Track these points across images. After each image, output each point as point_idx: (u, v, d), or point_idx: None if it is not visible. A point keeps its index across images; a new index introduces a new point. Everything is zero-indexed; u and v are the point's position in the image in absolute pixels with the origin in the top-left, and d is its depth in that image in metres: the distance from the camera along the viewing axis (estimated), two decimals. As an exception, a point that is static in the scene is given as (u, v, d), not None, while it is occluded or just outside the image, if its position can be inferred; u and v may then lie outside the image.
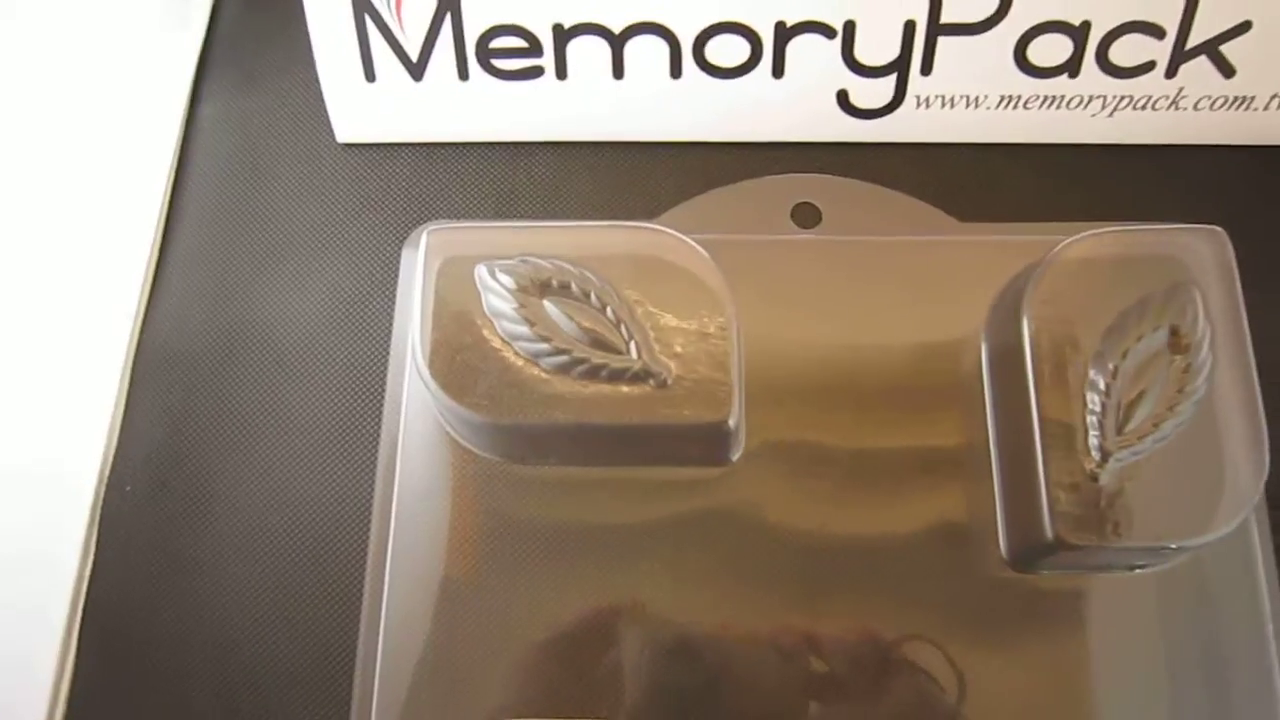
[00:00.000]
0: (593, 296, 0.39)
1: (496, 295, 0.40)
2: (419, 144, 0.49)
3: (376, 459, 0.42)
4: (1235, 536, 0.39)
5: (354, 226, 0.48)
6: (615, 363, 0.39)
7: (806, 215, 0.46)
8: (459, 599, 0.41)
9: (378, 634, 0.41)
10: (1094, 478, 0.38)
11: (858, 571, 0.41)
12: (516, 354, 0.39)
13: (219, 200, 0.49)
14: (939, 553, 0.41)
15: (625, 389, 0.39)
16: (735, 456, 0.42)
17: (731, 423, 0.39)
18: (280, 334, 0.46)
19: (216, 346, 0.46)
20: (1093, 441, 0.38)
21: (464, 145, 0.49)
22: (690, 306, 0.40)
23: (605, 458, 0.42)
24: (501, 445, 0.42)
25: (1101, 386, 0.39)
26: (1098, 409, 0.38)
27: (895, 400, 0.43)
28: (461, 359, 0.39)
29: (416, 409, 0.44)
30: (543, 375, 0.39)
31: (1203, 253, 0.40)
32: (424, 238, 0.41)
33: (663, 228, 0.41)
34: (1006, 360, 0.41)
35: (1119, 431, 0.38)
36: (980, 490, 0.42)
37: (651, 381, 0.39)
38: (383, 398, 0.43)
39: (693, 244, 0.40)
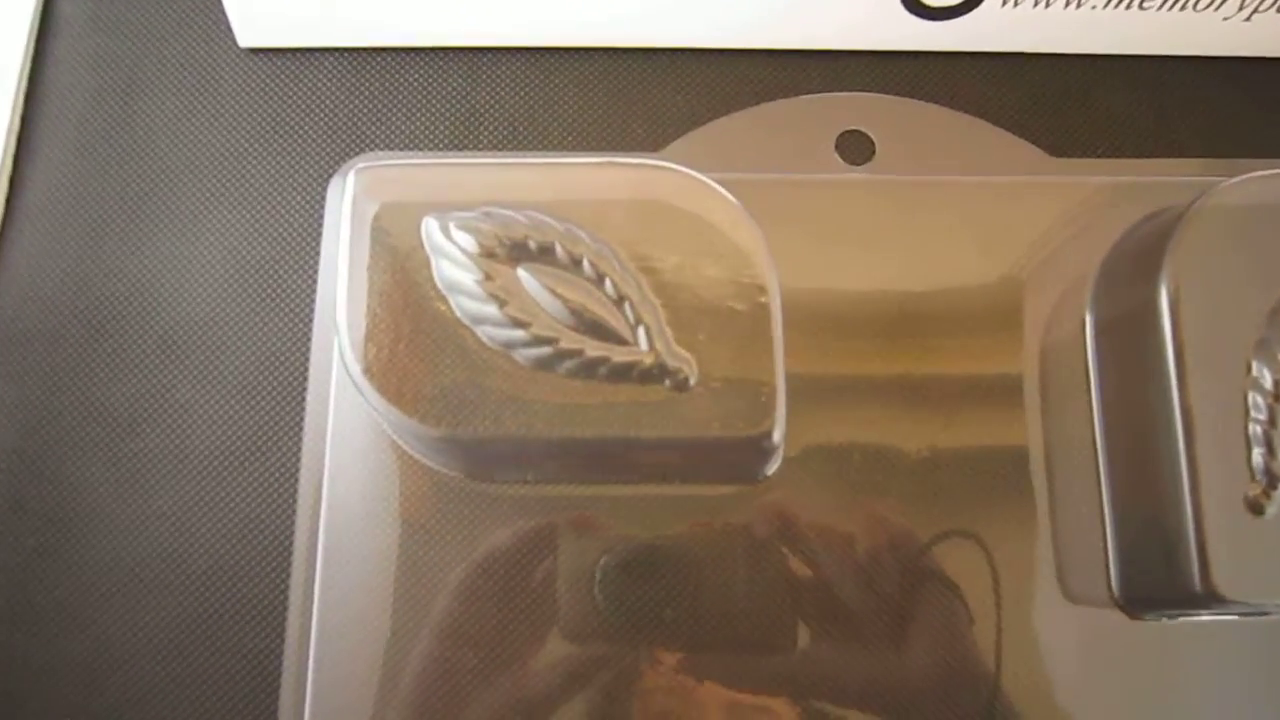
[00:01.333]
0: (585, 263, 0.28)
1: (452, 261, 0.28)
2: (347, 49, 0.36)
3: (298, 472, 0.31)
4: None
5: (263, 161, 0.35)
6: (618, 355, 0.28)
7: (855, 147, 0.35)
8: (406, 660, 0.31)
9: (304, 710, 0.30)
10: (1258, 509, 0.28)
11: (927, 613, 0.31)
12: (481, 343, 0.28)
13: (84, 127, 0.36)
14: (1024, 588, 0.31)
15: (631, 391, 0.28)
16: (770, 471, 0.32)
17: (776, 436, 0.28)
18: (167, 305, 0.34)
19: (82, 321, 0.34)
20: (1257, 460, 0.28)
21: (407, 51, 0.36)
22: (718, 276, 0.28)
23: (600, 475, 0.31)
24: (461, 461, 0.31)
25: (1268, 384, 0.28)
26: (1263, 415, 0.28)
27: (971, 393, 0.33)
28: (404, 350, 0.28)
29: (350, 406, 0.32)
30: (517, 372, 0.28)
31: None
32: (351, 178, 0.29)
33: (680, 167, 0.29)
34: (1127, 343, 0.31)
35: (1292, 446, 0.28)
36: (1082, 510, 0.32)
37: (668, 381, 0.28)
38: (304, 391, 0.32)
39: (721, 190, 0.29)
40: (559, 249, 0.28)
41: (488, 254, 0.28)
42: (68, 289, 0.34)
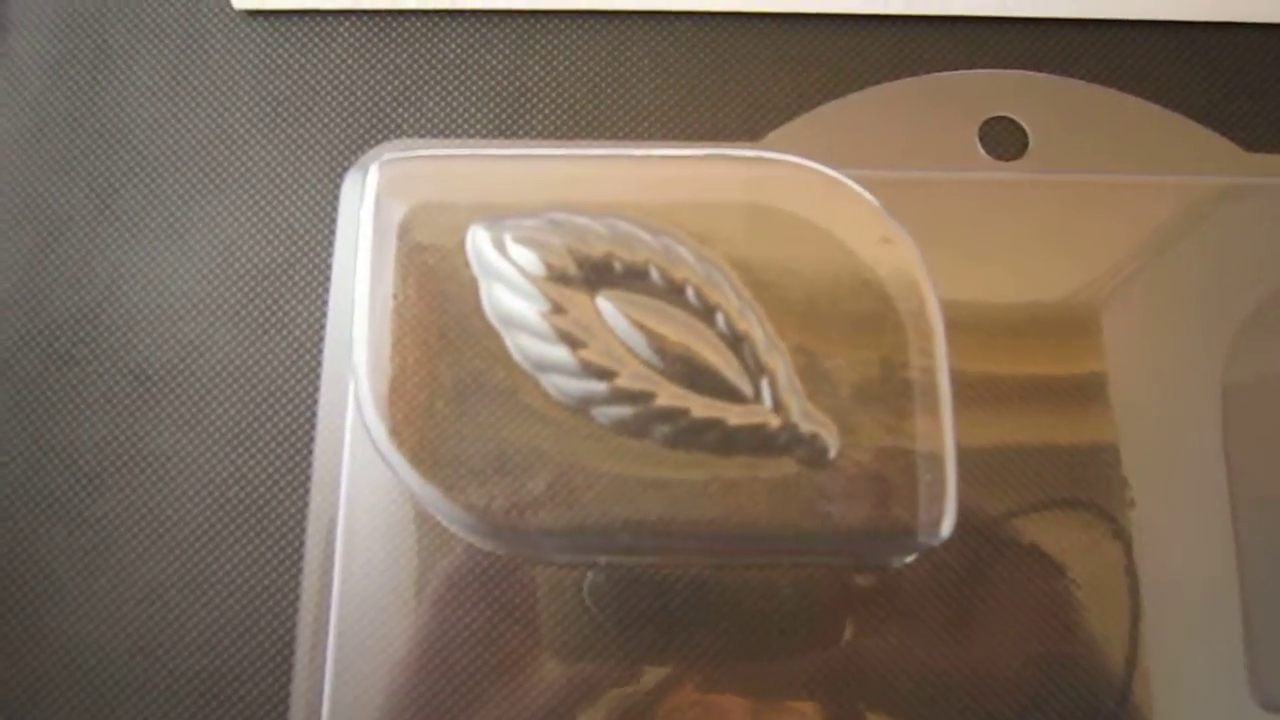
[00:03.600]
0: (690, 292, 0.20)
1: (509, 286, 0.20)
2: (367, 12, 0.28)
3: (304, 542, 0.24)
4: None
5: (262, 151, 0.27)
6: (735, 416, 0.20)
7: (1004, 138, 0.26)
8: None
9: None
10: None
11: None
12: (547, 397, 0.20)
13: (42, 105, 0.28)
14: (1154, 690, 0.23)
15: (751, 465, 0.20)
16: (910, 557, 0.24)
17: (946, 529, 0.20)
18: (142, 329, 0.26)
19: (37, 348, 0.26)
20: None
21: (443, 15, 0.28)
22: (864, 310, 0.20)
23: (704, 557, 0.23)
24: (516, 548, 0.23)
25: None
26: None
27: (1165, 451, 0.25)
28: (444, 406, 0.20)
29: (371, 459, 0.24)
30: (598, 437, 0.20)
31: None
32: (372, 171, 0.21)
33: (814, 164, 0.21)
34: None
35: None
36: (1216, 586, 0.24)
37: (800, 451, 0.20)
38: (312, 439, 0.24)
39: (868, 197, 0.21)
40: (654, 272, 0.20)
41: (557, 277, 0.20)
42: (19, 307, 0.26)
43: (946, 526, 0.19)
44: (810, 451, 0.19)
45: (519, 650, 0.23)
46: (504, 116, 0.27)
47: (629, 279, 0.20)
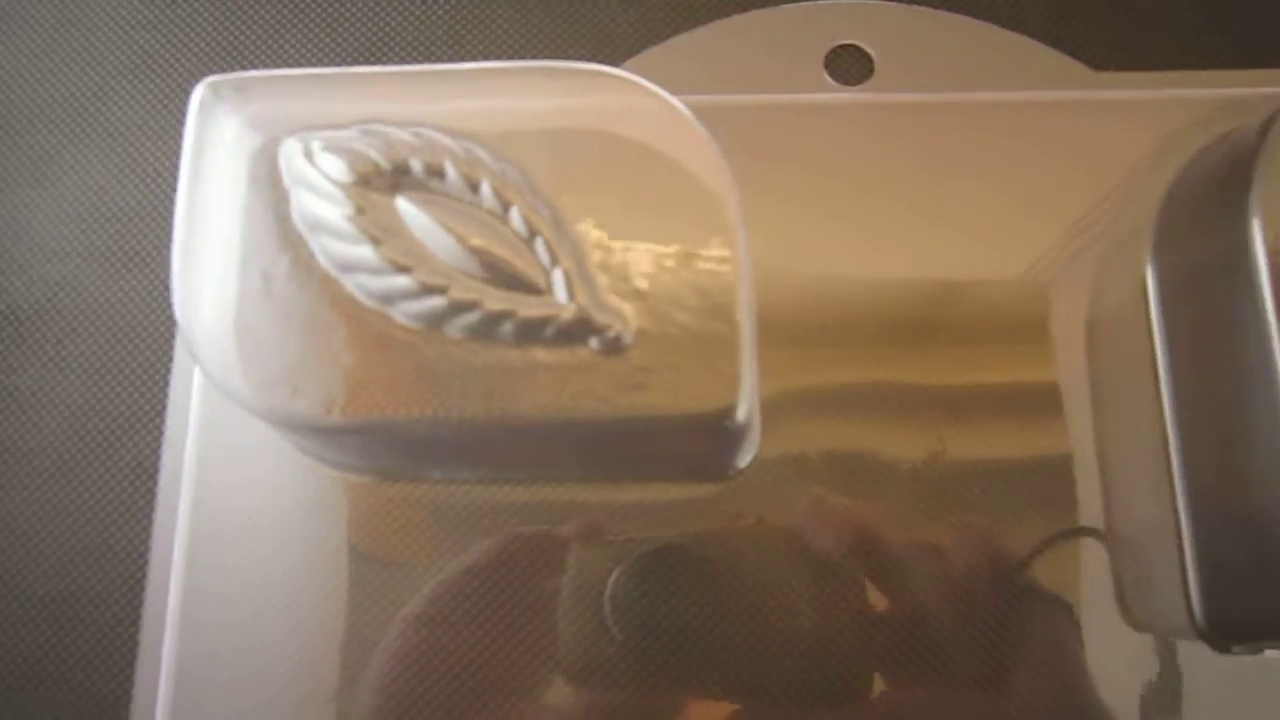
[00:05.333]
0: (485, 189, 0.21)
1: (315, 192, 0.21)
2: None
3: (159, 465, 0.24)
4: None
5: (128, 96, 0.28)
6: (528, 307, 0.20)
7: (850, 64, 0.27)
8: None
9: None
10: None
11: (948, 648, 0.23)
12: (352, 297, 0.21)
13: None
14: (1073, 610, 0.23)
15: (547, 355, 0.20)
16: (743, 464, 0.24)
17: (741, 413, 0.20)
18: (13, 266, 0.26)
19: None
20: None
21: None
22: (666, 210, 0.21)
23: (521, 470, 0.24)
24: (344, 455, 0.23)
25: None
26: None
27: (998, 362, 0.25)
28: (253, 310, 0.21)
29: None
30: (399, 334, 0.20)
31: None
32: (194, 97, 0.22)
33: (623, 73, 0.22)
34: (1206, 291, 0.23)
35: None
36: (1148, 512, 0.24)
37: (595, 341, 0.20)
38: (168, 380, 0.25)
39: (671, 100, 0.21)
40: (451, 172, 0.20)
41: (363, 183, 0.21)
42: (-101, 255, 0.28)
43: (742, 412, 0.20)
44: (605, 341, 0.20)
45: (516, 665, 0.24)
46: (366, 51, 0.28)
47: (429, 181, 0.20)
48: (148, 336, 0.26)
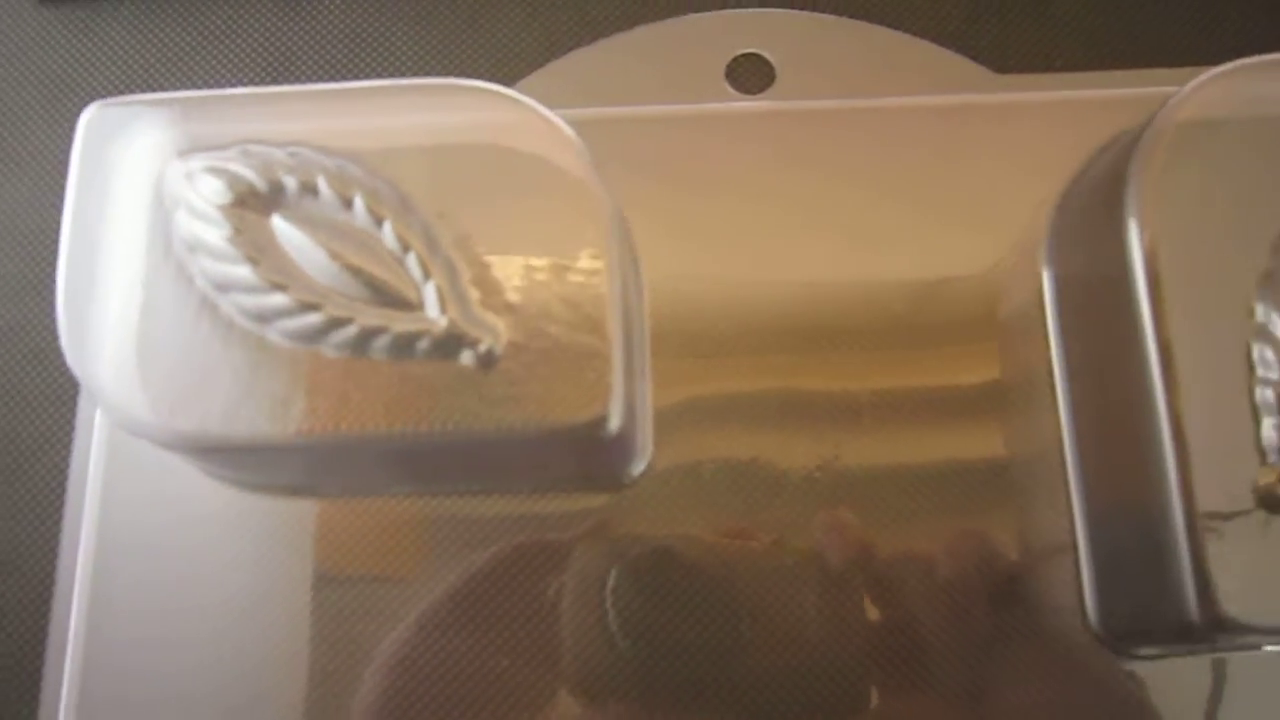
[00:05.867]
0: (357, 207, 0.21)
1: (194, 214, 0.21)
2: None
3: (64, 495, 0.25)
4: None
5: (40, 123, 0.28)
6: (400, 324, 0.20)
7: (751, 72, 0.27)
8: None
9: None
10: (1273, 501, 0.20)
11: (847, 660, 0.23)
12: (230, 317, 0.21)
13: None
14: (974, 617, 0.23)
15: (422, 370, 0.21)
16: (636, 472, 0.24)
17: (614, 423, 0.20)
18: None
19: None
20: (1269, 436, 0.20)
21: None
22: (540, 224, 0.21)
23: (411, 483, 0.24)
24: (236, 472, 0.24)
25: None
26: (1274, 374, 0.20)
27: (898, 368, 0.25)
28: (138, 333, 0.21)
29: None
30: (277, 352, 0.21)
31: None
32: (81, 122, 0.22)
33: (499, 88, 0.22)
34: (1093, 304, 0.23)
35: (1316, 416, 0.20)
36: (1046, 519, 0.24)
37: (468, 355, 0.20)
38: (76, 402, 0.25)
39: (547, 114, 0.22)
40: (325, 189, 0.21)
41: (239, 202, 0.21)
42: None
43: (614, 423, 0.20)
44: (477, 355, 0.20)
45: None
46: (271, 69, 0.28)
47: (304, 199, 0.21)
48: (57, 359, 0.26)
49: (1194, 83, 0.21)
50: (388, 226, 0.20)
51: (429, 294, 0.20)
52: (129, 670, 0.24)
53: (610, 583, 0.23)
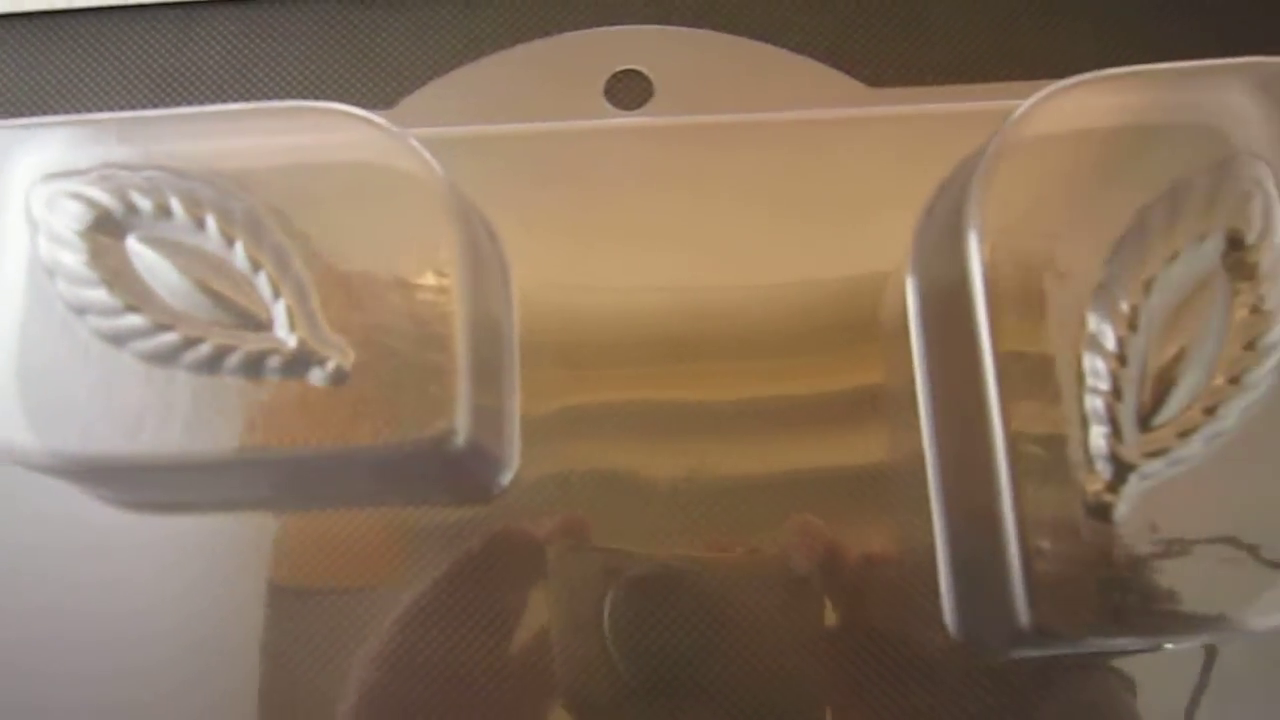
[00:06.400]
0: (210, 228, 0.21)
1: (53, 237, 0.22)
2: (28, 14, 0.29)
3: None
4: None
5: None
6: (250, 343, 0.21)
7: (630, 89, 0.28)
8: None
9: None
10: (1103, 511, 0.20)
11: (718, 667, 0.24)
12: (90, 337, 0.21)
13: None
14: (836, 621, 0.24)
15: (274, 388, 0.21)
16: (504, 483, 0.25)
17: (460, 437, 0.21)
18: None
19: None
20: (1097, 444, 0.20)
21: (103, 11, 0.29)
22: (390, 243, 0.22)
23: (269, 498, 0.24)
24: (100, 488, 0.24)
25: (1110, 344, 0.21)
26: (1105, 385, 0.21)
27: (768, 379, 0.25)
28: (11, 352, 0.21)
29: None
30: (132, 373, 0.21)
31: (1269, 104, 0.22)
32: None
33: (353, 109, 0.22)
34: (946, 307, 0.24)
35: (1145, 424, 0.20)
36: (910, 526, 0.24)
37: (317, 373, 0.21)
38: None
39: (399, 134, 0.22)
40: (178, 210, 0.21)
41: (96, 226, 0.21)
42: None
43: (461, 437, 0.21)
44: (327, 373, 0.20)
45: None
46: (163, 92, 0.28)
47: (159, 221, 0.21)
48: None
49: (1034, 98, 0.22)
50: (239, 247, 0.21)
51: (279, 313, 0.21)
52: None
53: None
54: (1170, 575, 0.20)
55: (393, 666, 0.23)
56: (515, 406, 0.24)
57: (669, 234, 0.26)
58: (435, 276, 0.21)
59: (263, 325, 0.21)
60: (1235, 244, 0.21)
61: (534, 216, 0.26)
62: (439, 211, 0.21)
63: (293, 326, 0.21)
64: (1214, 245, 0.21)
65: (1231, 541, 0.20)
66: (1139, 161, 0.22)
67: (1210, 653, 0.22)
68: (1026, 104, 0.22)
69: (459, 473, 0.23)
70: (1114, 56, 0.23)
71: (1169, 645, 0.22)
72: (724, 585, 0.23)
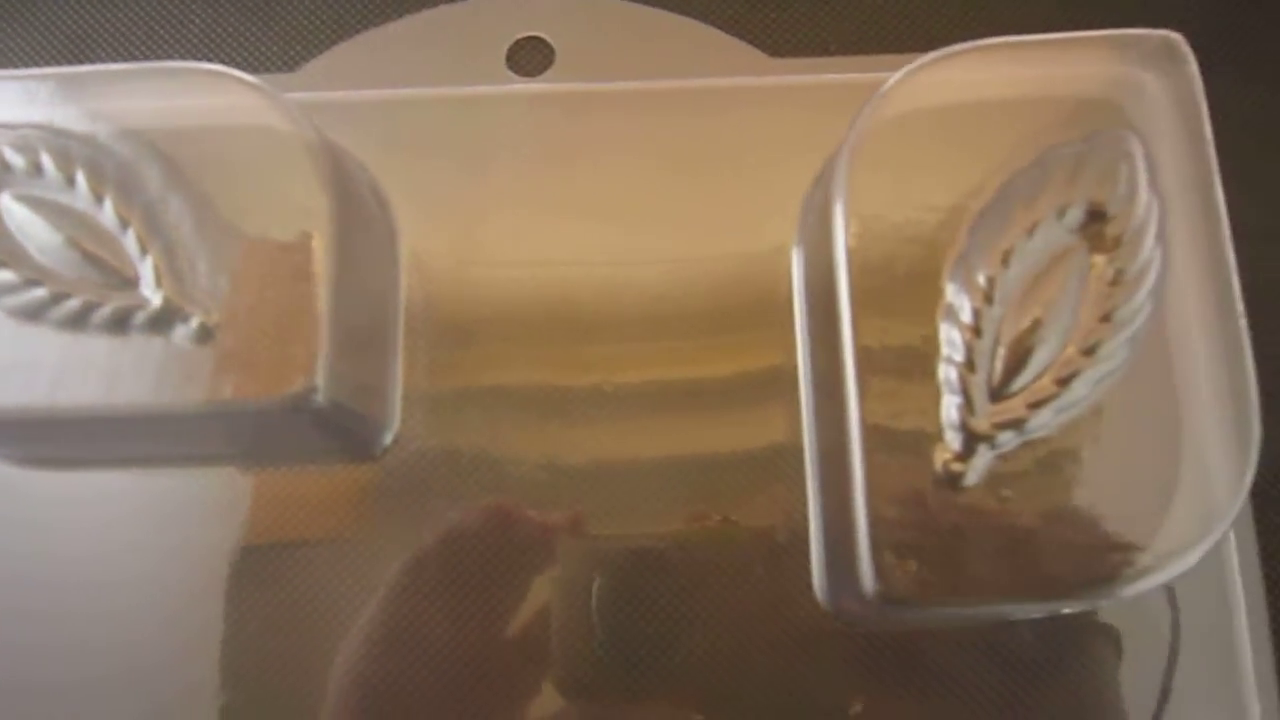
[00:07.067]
0: (80, 186, 0.22)
1: (-72, 193, 0.22)
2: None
3: None
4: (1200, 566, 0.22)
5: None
6: (119, 299, 0.21)
7: (532, 56, 0.28)
8: None
9: None
10: (952, 481, 0.20)
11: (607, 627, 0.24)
12: (-32, 294, 0.22)
13: None
14: (723, 595, 0.24)
15: (141, 344, 0.21)
16: (385, 443, 0.25)
17: (321, 395, 0.21)
18: None
19: None
20: (949, 415, 0.21)
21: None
22: (261, 203, 0.22)
23: (150, 454, 0.25)
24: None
25: (966, 315, 0.21)
26: (960, 356, 0.21)
27: (658, 354, 0.26)
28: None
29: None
30: (4, 327, 0.22)
31: (1144, 76, 0.22)
32: None
33: (229, 70, 0.23)
34: (822, 279, 0.24)
35: (997, 395, 0.20)
36: (788, 501, 0.25)
37: (182, 329, 0.21)
38: None
39: (276, 97, 0.22)
40: (49, 168, 0.22)
41: (-30, 182, 0.22)
42: None
43: (322, 395, 0.21)
44: (192, 330, 0.21)
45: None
46: (69, 51, 0.28)
47: (31, 178, 0.22)
48: None
49: (902, 71, 0.22)
50: (108, 204, 0.21)
51: (146, 270, 0.21)
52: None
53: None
54: (1017, 545, 0.20)
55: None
56: (398, 371, 0.25)
57: (564, 204, 0.26)
58: (303, 237, 0.21)
59: (130, 283, 0.21)
60: (1096, 216, 0.21)
61: (428, 183, 0.26)
62: (312, 173, 0.22)
63: (159, 284, 0.21)
64: (1074, 217, 0.21)
65: (1079, 512, 0.20)
66: (1008, 134, 0.22)
67: (1058, 621, 0.23)
68: (895, 76, 0.22)
69: (334, 432, 0.23)
70: (1022, 27, 0.23)
71: (1018, 615, 0.22)
72: (598, 560, 0.24)
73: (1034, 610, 0.21)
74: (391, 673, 0.24)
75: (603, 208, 0.26)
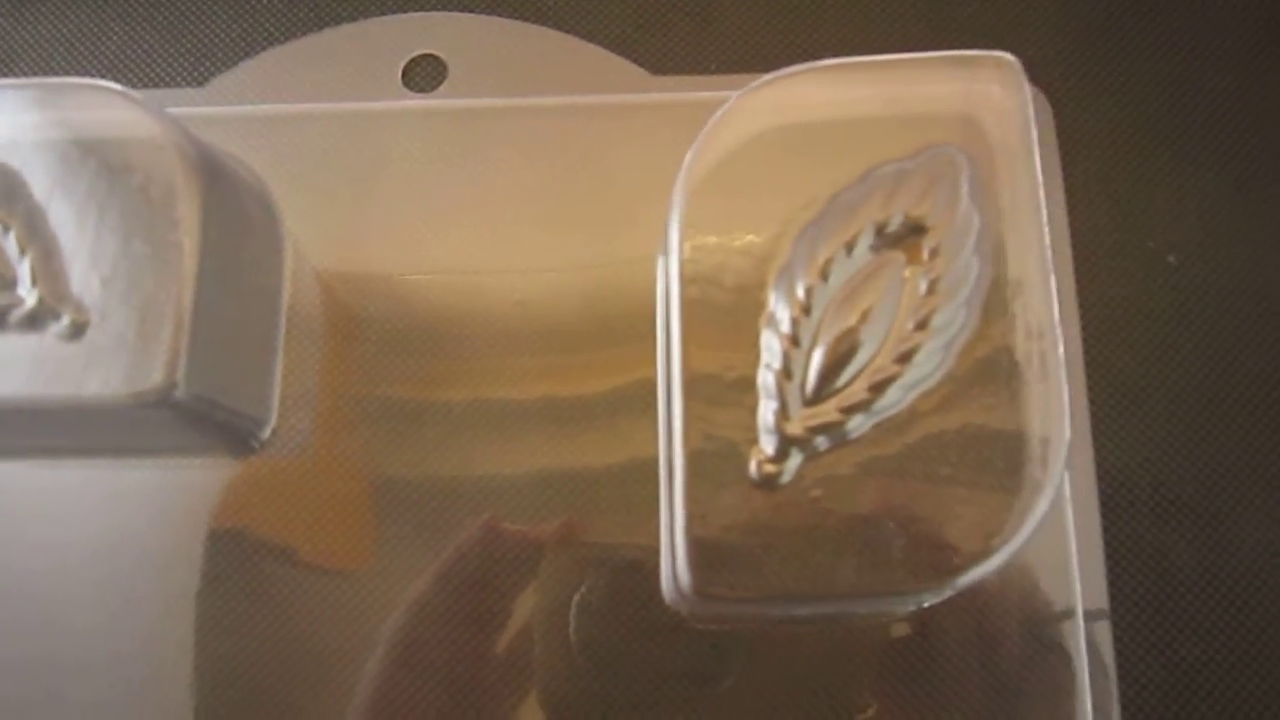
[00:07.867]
0: (-35, 193, 0.24)
1: None
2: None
3: None
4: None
5: None
6: (-3, 299, 0.23)
7: (426, 72, 0.29)
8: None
9: None
10: (765, 483, 0.21)
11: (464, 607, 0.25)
12: None
13: None
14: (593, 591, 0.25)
15: (16, 342, 0.23)
16: (262, 438, 0.26)
17: (180, 390, 0.23)
18: None
19: None
20: (765, 419, 0.22)
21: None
22: (131, 209, 0.23)
23: (26, 447, 0.26)
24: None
25: (785, 325, 0.22)
26: (778, 363, 0.22)
27: (538, 359, 0.27)
28: None
29: None
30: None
31: (979, 96, 0.23)
32: None
33: (105, 83, 0.24)
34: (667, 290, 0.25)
35: (812, 399, 0.22)
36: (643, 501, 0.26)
37: (56, 327, 0.23)
38: None
39: (148, 109, 0.24)
40: (-63, 176, 0.23)
41: (-128, 190, 0.24)
42: None
43: (182, 386, 0.22)
44: (64, 327, 0.22)
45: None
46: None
47: (-76, 185, 0.23)
48: None
49: (743, 90, 0.23)
50: (-11, 211, 0.23)
51: (23, 271, 0.23)
52: None
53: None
54: (829, 547, 0.21)
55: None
56: (278, 370, 0.26)
57: (451, 216, 0.28)
58: (174, 240, 0.23)
59: (8, 283, 0.23)
60: (916, 229, 0.22)
61: (322, 193, 0.28)
62: (185, 181, 0.23)
63: (34, 283, 0.23)
64: (894, 230, 0.22)
65: (890, 514, 0.21)
66: (842, 151, 0.23)
67: (881, 621, 0.23)
68: (736, 95, 0.23)
69: (204, 426, 0.25)
70: (896, 49, 0.24)
71: (833, 614, 0.23)
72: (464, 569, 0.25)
73: (847, 610, 0.22)
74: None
75: (489, 219, 0.28)
